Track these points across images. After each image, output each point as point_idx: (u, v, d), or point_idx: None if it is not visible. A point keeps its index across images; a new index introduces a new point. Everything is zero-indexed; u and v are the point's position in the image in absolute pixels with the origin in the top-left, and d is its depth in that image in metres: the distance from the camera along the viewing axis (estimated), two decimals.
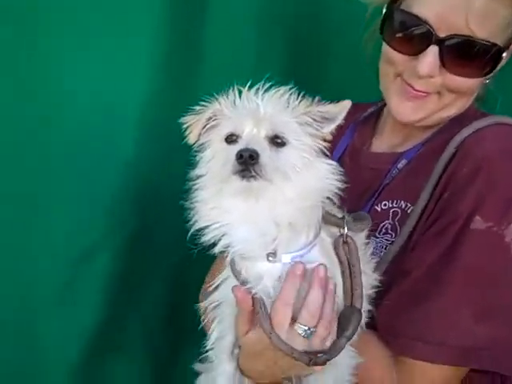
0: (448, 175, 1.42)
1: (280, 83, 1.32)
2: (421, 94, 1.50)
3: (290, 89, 1.31)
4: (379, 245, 1.50)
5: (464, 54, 1.44)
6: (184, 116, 1.34)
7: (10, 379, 1.87)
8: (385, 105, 1.73)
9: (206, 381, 1.50)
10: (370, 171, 1.63)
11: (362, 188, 1.62)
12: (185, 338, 2.00)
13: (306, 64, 2.11)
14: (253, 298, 1.26)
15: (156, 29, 1.84)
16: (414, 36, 1.46)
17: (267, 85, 1.31)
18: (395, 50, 1.50)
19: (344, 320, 1.28)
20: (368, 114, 1.78)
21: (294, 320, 1.24)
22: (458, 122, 1.52)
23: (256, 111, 1.28)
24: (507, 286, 1.35)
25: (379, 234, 1.51)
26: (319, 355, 1.21)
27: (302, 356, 1.21)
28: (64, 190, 1.84)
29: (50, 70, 1.77)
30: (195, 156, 1.35)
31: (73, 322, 1.89)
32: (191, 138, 1.33)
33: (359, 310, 1.29)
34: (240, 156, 1.21)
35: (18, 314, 1.84)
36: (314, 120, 1.31)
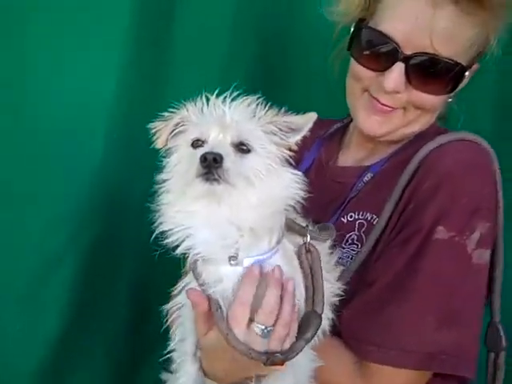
0: (411, 188, 1.45)
1: (248, 92, 1.34)
2: (386, 109, 1.54)
3: (258, 98, 1.34)
4: (345, 255, 1.51)
5: (428, 71, 1.48)
6: (152, 122, 1.36)
7: None
8: (351, 121, 1.77)
9: None
10: (336, 184, 1.66)
11: (328, 200, 1.64)
12: (149, 342, 1.95)
13: (274, 75, 2.15)
14: (209, 300, 1.26)
15: (126, 30, 1.85)
16: (380, 53, 1.51)
17: (235, 93, 1.34)
18: (363, 66, 1.55)
19: (304, 323, 1.29)
20: (334, 130, 1.81)
21: (252, 321, 1.25)
22: (422, 138, 1.56)
23: (222, 118, 1.30)
24: (468, 293, 1.38)
25: (345, 244, 1.53)
26: (276, 355, 1.22)
27: (259, 355, 1.21)
28: (29, 190, 1.81)
29: (24, 68, 1.78)
30: (162, 160, 1.36)
31: (35, 325, 1.86)
32: (159, 143, 1.35)
33: (319, 315, 1.30)
34: (204, 159, 1.22)
35: None
36: (280, 130, 1.34)
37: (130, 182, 1.93)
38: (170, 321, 1.40)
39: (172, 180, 1.32)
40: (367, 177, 1.60)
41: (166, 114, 1.37)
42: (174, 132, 1.35)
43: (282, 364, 1.24)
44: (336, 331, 1.41)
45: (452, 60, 1.48)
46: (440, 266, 1.37)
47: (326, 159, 1.75)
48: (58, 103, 1.81)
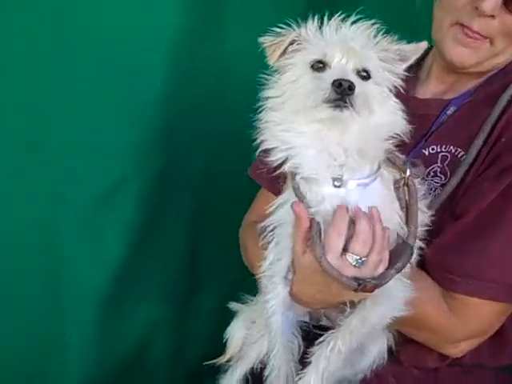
0: (503, 122, 1.44)
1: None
2: (477, 37, 1.51)
3: (374, 23, 1.32)
4: (428, 187, 1.49)
5: None
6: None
7: (36, 312, 1.84)
8: (427, 53, 1.74)
9: (239, 323, 1.52)
10: (418, 117, 1.61)
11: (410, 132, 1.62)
12: (207, 275, 1.98)
13: None
14: (311, 221, 1.25)
15: None
16: None
17: (354, 16, 1.31)
18: None
19: (396, 253, 1.29)
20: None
21: (345, 251, 1.24)
22: (508, 72, 1.55)
23: (345, 42, 1.28)
24: None
25: (427, 176, 1.52)
26: (368, 280, 1.22)
27: (350, 281, 1.21)
28: (94, 119, 1.80)
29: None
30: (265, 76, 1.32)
31: (98, 252, 1.87)
32: (272, 59, 1.31)
33: (411, 247, 1.30)
34: (339, 85, 1.20)
35: (43, 241, 1.82)
36: (393, 57, 1.33)
37: (195, 111, 1.91)
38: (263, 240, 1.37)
39: (283, 98, 1.29)
40: (450, 110, 1.58)
41: (278, 30, 1.32)
42: (289, 50, 1.30)
43: (373, 291, 1.24)
44: (422, 262, 1.42)
45: None
46: None
47: (406, 91, 1.71)
48: (122, 34, 1.79)
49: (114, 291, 1.89)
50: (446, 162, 1.52)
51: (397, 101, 1.34)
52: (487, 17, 1.48)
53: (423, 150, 1.57)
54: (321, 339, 1.30)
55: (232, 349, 1.52)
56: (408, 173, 1.34)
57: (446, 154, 1.54)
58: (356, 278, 1.21)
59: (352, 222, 1.24)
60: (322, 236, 1.23)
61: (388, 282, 1.24)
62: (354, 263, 1.22)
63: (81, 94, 1.77)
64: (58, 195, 1.79)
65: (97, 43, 1.78)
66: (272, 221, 1.35)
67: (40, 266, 1.80)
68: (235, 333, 1.52)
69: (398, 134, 1.34)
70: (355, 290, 1.21)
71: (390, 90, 1.34)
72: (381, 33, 1.33)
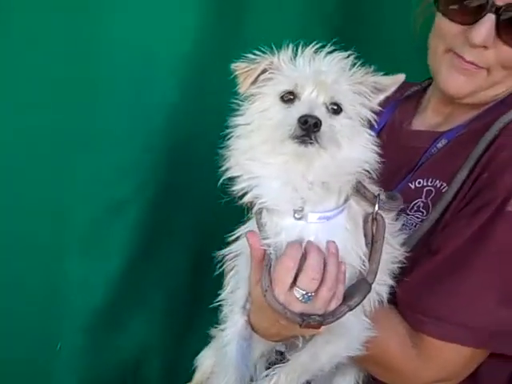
0: (488, 157, 1.39)
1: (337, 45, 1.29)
2: (471, 67, 1.46)
3: (350, 55, 1.29)
4: (409, 222, 1.47)
5: None
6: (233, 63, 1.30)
7: (29, 320, 1.90)
8: (429, 85, 1.69)
9: (210, 351, 1.50)
10: (408, 149, 1.60)
11: (398, 165, 1.58)
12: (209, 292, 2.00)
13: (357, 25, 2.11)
14: (264, 252, 1.24)
15: None
16: (470, 4, 1.43)
17: (329, 47, 1.29)
18: (450, 20, 1.47)
19: (352, 290, 1.25)
20: (411, 92, 1.73)
21: (295, 284, 1.21)
22: (505, 105, 1.48)
23: (318, 74, 1.25)
24: None
25: (410, 211, 1.48)
26: (312, 317, 1.19)
27: (294, 316, 1.18)
28: (98, 137, 1.85)
29: (99, 19, 1.80)
30: (234, 104, 1.32)
31: (99, 269, 1.91)
32: (243, 87, 1.30)
33: (369, 284, 1.27)
34: (305, 121, 1.19)
35: (43, 257, 1.87)
36: (368, 90, 1.30)
37: (198, 131, 1.93)
38: (224, 268, 1.37)
39: (251, 128, 1.28)
40: (441, 143, 1.53)
41: (251, 56, 1.30)
42: (260, 78, 1.28)
43: (319, 327, 1.21)
44: (394, 300, 1.38)
45: None
46: (510, 240, 1.30)
47: (400, 122, 1.68)
48: (131, 50, 1.82)
49: (111, 309, 1.93)
50: (430, 197, 1.47)
51: (370, 134, 1.31)
52: (480, 47, 1.43)
53: (409, 184, 1.53)
54: (265, 373, 1.28)
55: (199, 376, 1.51)
56: (376, 207, 1.30)
57: (431, 188, 1.49)
58: (301, 314, 1.19)
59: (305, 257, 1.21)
60: (272, 269, 1.21)
61: (339, 319, 1.21)
62: (300, 298, 1.19)
63: (84, 115, 1.81)
64: (59, 213, 1.85)
65: (107, 56, 1.82)
66: (232, 250, 1.34)
67: (39, 282, 1.86)
68: (204, 360, 1.50)
69: (367, 170, 1.30)
70: (300, 326, 1.18)
71: (363, 124, 1.31)
72: (354, 64, 1.29)
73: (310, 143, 1.20)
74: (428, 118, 1.65)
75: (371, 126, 1.33)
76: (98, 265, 1.89)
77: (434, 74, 1.57)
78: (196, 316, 2.08)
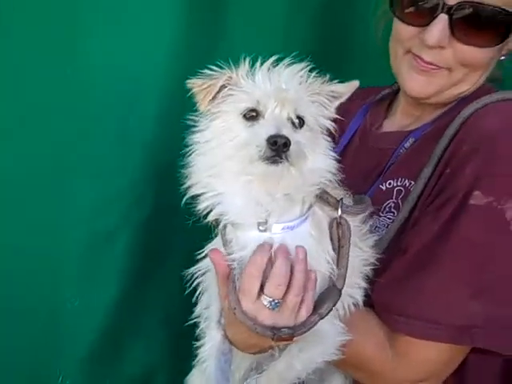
0: (450, 152, 1.39)
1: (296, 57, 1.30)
2: (430, 67, 1.47)
3: (306, 65, 1.30)
4: (382, 223, 1.47)
5: (474, 22, 1.41)
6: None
7: (30, 353, 1.89)
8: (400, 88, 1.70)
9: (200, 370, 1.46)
10: (378, 151, 1.62)
11: (370, 167, 1.60)
12: None
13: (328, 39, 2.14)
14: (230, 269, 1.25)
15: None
16: (423, 6, 1.44)
17: (287, 60, 1.29)
18: (405, 23, 1.49)
19: (322, 298, 1.26)
20: (382, 96, 1.75)
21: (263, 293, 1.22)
22: (469, 100, 1.47)
23: (279, 89, 1.26)
24: (505, 263, 1.30)
25: (382, 212, 1.49)
26: (283, 330, 1.19)
27: (264, 331, 1.19)
28: (80, 166, 1.85)
29: (75, 30, 1.77)
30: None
31: (92, 301, 1.91)
32: (202, 104, 1.28)
33: (339, 290, 1.27)
34: (274, 142, 1.19)
35: (40, 283, 1.86)
36: (325, 99, 1.32)
37: (179, 157, 1.95)
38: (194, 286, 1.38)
39: (212, 145, 1.28)
40: (408, 142, 1.54)
41: (207, 72, 1.29)
42: (219, 95, 1.28)
43: (291, 339, 1.22)
44: (370, 302, 1.38)
45: (499, 8, 1.38)
46: (475, 234, 1.29)
47: (371, 125, 1.70)
48: (109, 84, 1.82)
49: (110, 338, 1.93)
50: (400, 197, 1.48)
51: (328, 142, 1.33)
52: (437, 48, 1.44)
53: (380, 186, 1.54)
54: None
55: None
56: (339, 212, 1.31)
57: (401, 188, 1.49)
58: (272, 328, 1.19)
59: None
60: (238, 285, 1.22)
61: (311, 328, 1.22)
62: (268, 305, 1.20)
63: (65, 141, 1.80)
64: (54, 239, 1.84)
65: (85, 80, 1.80)
66: (200, 267, 1.36)
67: (37, 315, 1.86)
68: (194, 380, 1.48)
69: (330, 179, 1.31)
70: (272, 340, 1.19)
71: (323, 133, 1.33)
72: (312, 74, 1.31)
73: (281, 162, 1.21)
74: (398, 120, 1.67)
75: (330, 135, 1.34)
76: (94, 294, 1.89)
77: (396, 76, 1.59)
78: (195, 337, 2.09)
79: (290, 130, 1.23)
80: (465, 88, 1.51)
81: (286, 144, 1.19)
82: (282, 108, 1.24)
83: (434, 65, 1.47)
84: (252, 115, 1.26)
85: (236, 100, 1.28)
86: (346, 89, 1.33)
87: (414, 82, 1.52)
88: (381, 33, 1.65)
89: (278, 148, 1.19)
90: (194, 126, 1.32)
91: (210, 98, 1.28)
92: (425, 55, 1.47)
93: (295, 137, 1.23)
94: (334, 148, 1.34)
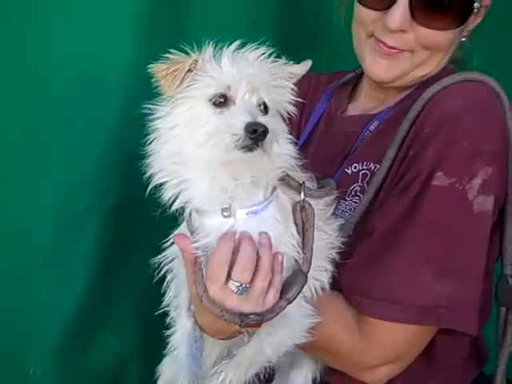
0: (413, 134, 1.40)
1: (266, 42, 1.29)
2: (393, 51, 1.48)
3: (270, 50, 1.28)
4: (348, 207, 1.48)
5: (434, 4, 1.42)
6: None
7: (5, 345, 1.87)
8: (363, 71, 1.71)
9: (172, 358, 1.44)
10: (343, 135, 1.62)
11: (336, 151, 1.61)
12: None
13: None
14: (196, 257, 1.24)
15: None
16: None
17: (251, 45, 1.27)
18: (366, 6, 1.49)
19: (289, 282, 1.26)
20: (345, 80, 1.75)
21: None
22: (431, 83, 1.47)
23: (247, 74, 1.23)
24: (469, 243, 1.32)
25: (349, 196, 1.49)
26: (250, 316, 1.20)
27: (232, 317, 1.19)
28: (46, 155, 1.83)
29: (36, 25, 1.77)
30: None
31: (61, 291, 1.89)
32: (168, 89, 1.24)
33: (305, 274, 1.28)
34: (253, 131, 1.17)
35: (6, 280, 1.85)
36: (285, 82, 1.31)
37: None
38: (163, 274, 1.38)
39: (176, 132, 1.25)
40: (373, 125, 1.54)
41: (170, 56, 1.24)
42: (184, 80, 1.24)
43: (259, 325, 1.23)
44: (334, 285, 1.38)
45: None
46: (438, 214, 1.31)
47: (336, 109, 1.70)
48: (72, 70, 1.79)
49: (80, 327, 1.92)
50: (366, 180, 1.49)
51: (286, 126, 1.33)
52: (398, 31, 1.45)
53: (346, 169, 1.54)
54: (212, 371, 1.28)
55: None
56: (302, 195, 1.31)
57: (366, 171, 1.50)
58: (240, 314, 1.19)
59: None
60: (204, 272, 1.22)
61: (278, 314, 1.22)
62: (235, 290, 1.20)
63: (32, 129, 1.78)
64: (20, 232, 1.83)
65: (48, 72, 1.78)
66: (167, 255, 1.35)
67: (5, 306, 1.84)
68: (166, 368, 1.43)
69: (292, 163, 1.31)
70: (239, 326, 1.20)
71: (282, 116, 1.32)
72: (274, 58, 1.29)
73: (256, 149, 1.19)
74: (362, 103, 1.67)
75: (290, 119, 1.34)
76: (63, 284, 1.88)
77: (359, 60, 1.59)
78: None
79: (261, 116, 1.22)
80: (427, 70, 1.52)
81: (265, 132, 1.18)
82: (251, 94, 1.23)
83: (396, 48, 1.48)
84: (220, 101, 1.23)
85: (203, 85, 1.24)
86: (302, 69, 1.33)
87: (377, 66, 1.52)
88: (343, 16, 1.65)
89: (257, 136, 1.17)
90: (153, 113, 1.28)
91: (178, 83, 1.24)
92: (387, 39, 1.48)
93: (267, 122, 1.21)
94: (291, 132, 1.34)
